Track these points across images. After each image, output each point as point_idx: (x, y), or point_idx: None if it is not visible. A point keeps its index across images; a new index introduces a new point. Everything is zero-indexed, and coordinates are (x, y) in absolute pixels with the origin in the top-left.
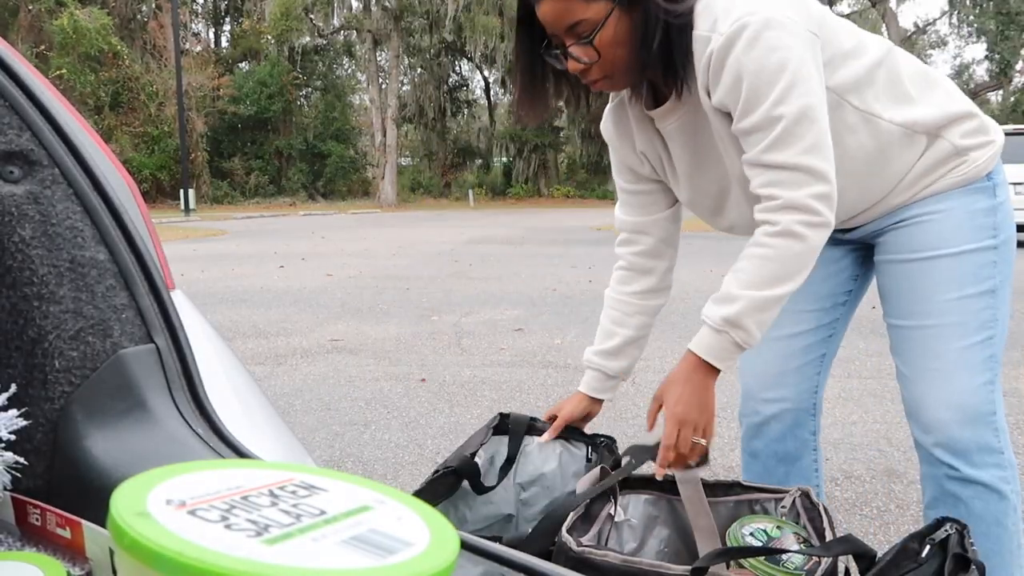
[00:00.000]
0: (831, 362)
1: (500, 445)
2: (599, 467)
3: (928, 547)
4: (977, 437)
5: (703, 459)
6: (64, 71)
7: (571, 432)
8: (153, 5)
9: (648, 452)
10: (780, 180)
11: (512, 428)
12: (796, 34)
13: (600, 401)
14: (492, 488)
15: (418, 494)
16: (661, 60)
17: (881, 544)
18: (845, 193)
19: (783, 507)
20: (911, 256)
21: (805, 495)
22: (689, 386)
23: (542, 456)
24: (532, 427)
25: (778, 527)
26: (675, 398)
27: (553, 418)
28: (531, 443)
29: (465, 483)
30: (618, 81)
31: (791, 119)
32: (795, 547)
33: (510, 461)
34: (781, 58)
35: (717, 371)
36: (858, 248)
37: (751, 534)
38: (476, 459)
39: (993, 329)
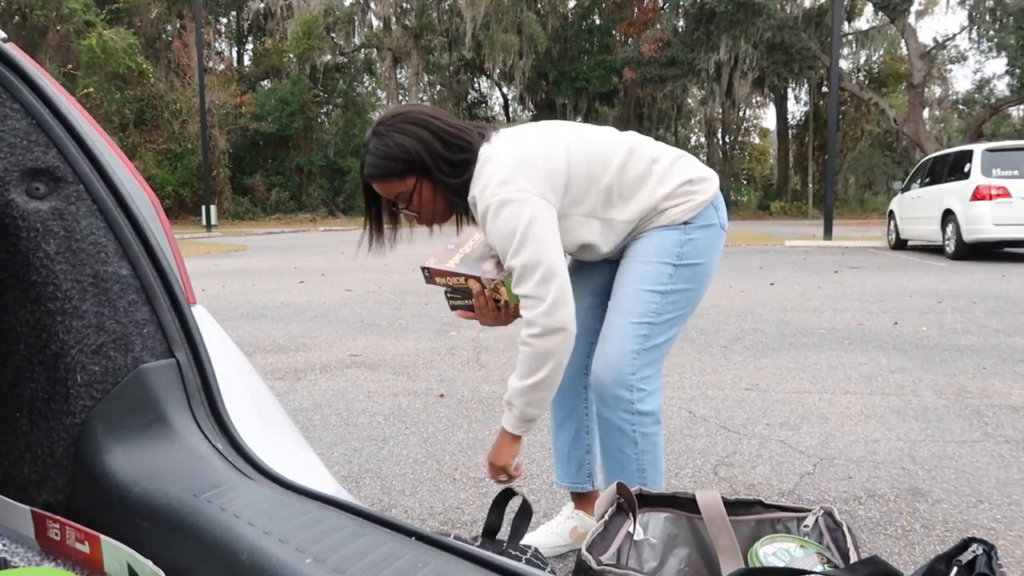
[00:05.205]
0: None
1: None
2: (616, 483)
3: (955, 568)
4: (613, 388)
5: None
6: (92, 90)
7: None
8: (178, 25)
9: None
10: (524, 304)
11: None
12: (527, 202)
13: None
14: None
15: None
16: (459, 206)
17: (907, 565)
18: (603, 252)
19: (806, 526)
20: (624, 259)
21: (828, 514)
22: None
23: None
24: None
25: (801, 547)
26: (491, 453)
27: None
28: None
29: None
30: (441, 218)
31: (520, 267)
32: (819, 568)
33: None
34: (512, 227)
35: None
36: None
37: (774, 554)
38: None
39: (654, 318)
